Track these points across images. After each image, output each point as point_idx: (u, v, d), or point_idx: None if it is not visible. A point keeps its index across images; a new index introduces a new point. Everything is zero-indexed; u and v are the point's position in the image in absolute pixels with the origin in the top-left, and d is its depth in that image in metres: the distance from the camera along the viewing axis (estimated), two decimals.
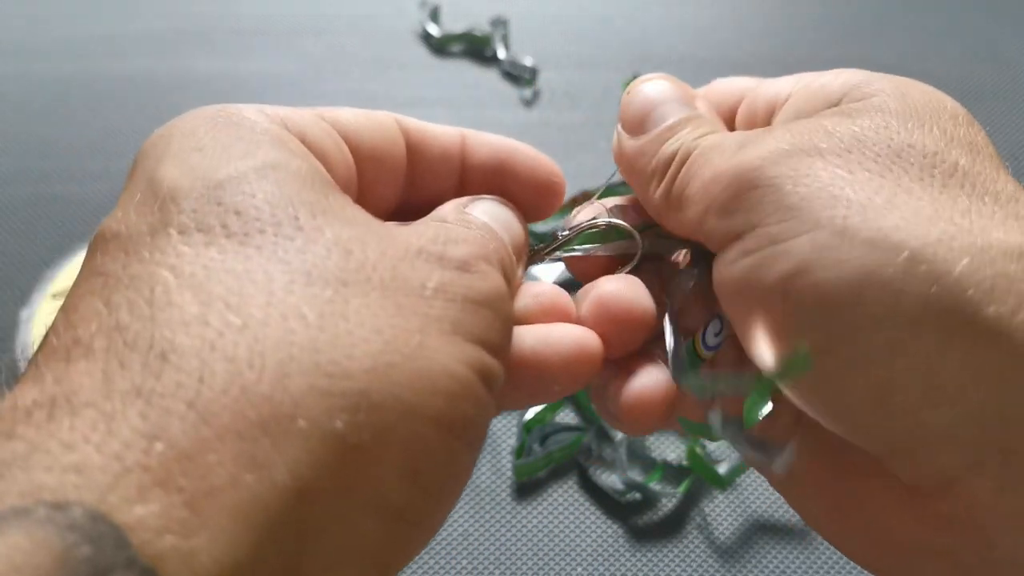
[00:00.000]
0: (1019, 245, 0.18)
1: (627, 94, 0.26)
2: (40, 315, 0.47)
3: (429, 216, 0.22)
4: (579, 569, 0.42)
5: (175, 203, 0.18)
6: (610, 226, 0.25)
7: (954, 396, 0.17)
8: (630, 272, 0.26)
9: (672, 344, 0.23)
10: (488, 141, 0.25)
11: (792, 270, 0.19)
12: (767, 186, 0.20)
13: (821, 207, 0.19)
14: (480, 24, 0.73)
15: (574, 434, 0.46)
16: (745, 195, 0.20)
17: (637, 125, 0.26)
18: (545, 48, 0.72)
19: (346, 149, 0.22)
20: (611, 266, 0.26)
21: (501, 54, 0.71)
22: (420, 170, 0.25)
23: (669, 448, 0.46)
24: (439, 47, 0.73)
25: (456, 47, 0.73)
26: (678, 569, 0.42)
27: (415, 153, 0.24)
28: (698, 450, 0.44)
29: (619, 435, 0.45)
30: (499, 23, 0.73)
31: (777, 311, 0.19)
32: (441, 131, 0.25)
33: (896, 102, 0.21)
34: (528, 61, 0.70)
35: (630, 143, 0.26)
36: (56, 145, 0.63)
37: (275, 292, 0.16)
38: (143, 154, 0.21)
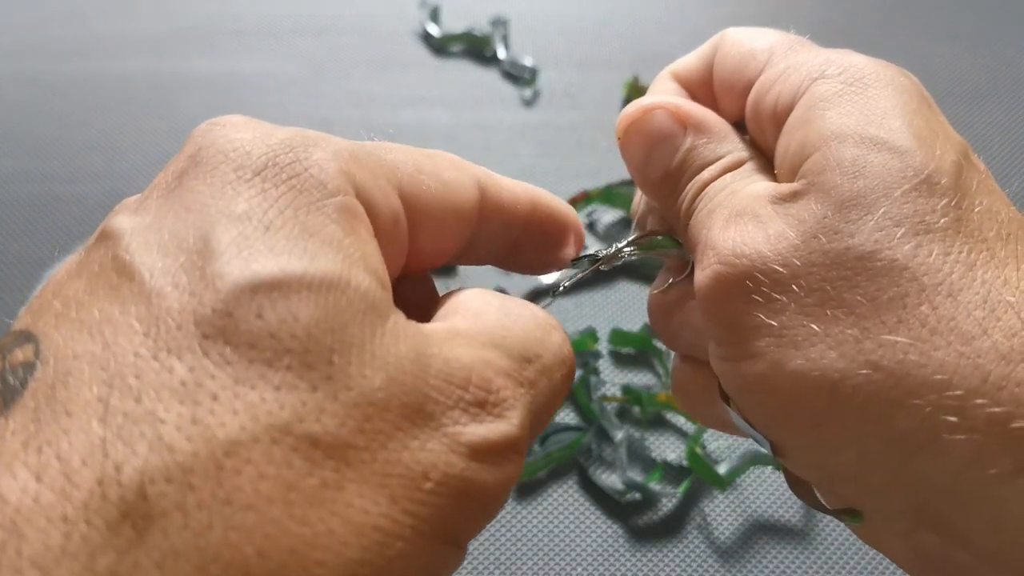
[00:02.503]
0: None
1: (619, 138, 0.25)
2: None
3: (475, 335, 0.19)
4: (579, 569, 0.42)
5: (215, 295, 0.15)
6: (666, 236, 0.26)
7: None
8: (683, 280, 0.26)
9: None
10: (523, 188, 0.24)
11: (740, 390, 0.21)
12: (723, 311, 0.21)
13: (757, 338, 0.20)
14: (480, 24, 0.73)
15: (574, 434, 0.46)
16: (712, 314, 0.21)
17: (640, 172, 0.25)
18: (545, 48, 0.72)
19: (404, 227, 0.20)
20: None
21: (501, 54, 0.71)
22: (486, 232, 0.23)
23: (669, 448, 0.46)
24: (439, 47, 0.73)
25: (456, 47, 0.73)
26: (678, 569, 0.42)
27: (486, 217, 0.22)
28: (698, 450, 0.44)
29: (619, 435, 0.45)
30: (499, 23, 0.73)
31: (748, 412, 0.22)
32: (513, 194, 0.23)
33: (845, 180, 0.20)
34: (528, 61, 0.70)
35: (643, 190, 0.26)
36: (56, 145, 0.63)
37: (274, 455, 0.14)
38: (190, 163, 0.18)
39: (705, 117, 0.25)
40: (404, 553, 0.15)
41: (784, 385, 0.19)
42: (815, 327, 0.19)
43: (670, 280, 0.26)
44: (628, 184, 0.59)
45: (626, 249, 0.26)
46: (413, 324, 0.17)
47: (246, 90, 0.68)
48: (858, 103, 0.21)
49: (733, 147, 0.24)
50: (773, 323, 0.20)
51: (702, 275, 0.21)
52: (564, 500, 0.44)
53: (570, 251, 0.25)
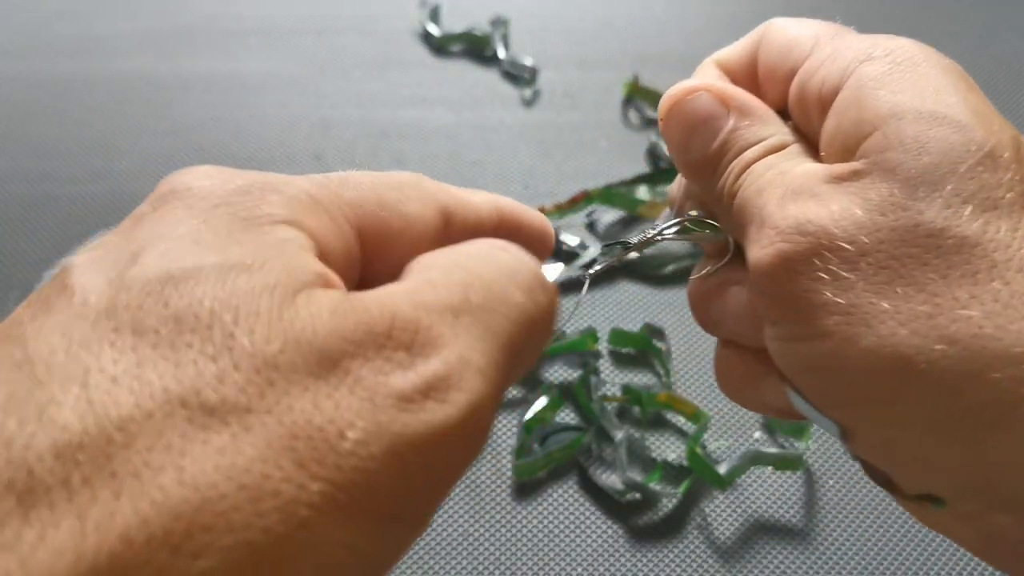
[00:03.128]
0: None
1: (661, 120, 0.26)
2: None
3: (410, 283, 0.17)
4: (579, 569, 0.42)
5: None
6: (701, 220, 0.26)
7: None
8: (724, 265, 0.26)
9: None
10: (489, 204, 0.23)
11: (806, 370, 0.21)
12: (785, 290, 0.21)
13: (826, 315, 0.20)
14: (480, 24, 0.73)
15: (574, 434, 0.46)
16: (768, 294, 0.21)
17: (681, 154, 0.25)
18: (545, 48, 0.72)
19: (356, 268, 0.19)
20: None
21: (501, 54, 0.71)
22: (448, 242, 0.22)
23: (669, 448, 0.46)
24: (439, 47, 0.73)
25: (456, 47, 0.73)
26: (678, 569, 0.42)
27: (450, 241, 0.21)
28: (698, 450, 0.44)
29: (619, 435, 0.45)
30: (499, 23, 0.73)
31: (813, 394, 0.22)
32: (478, 215, 0.22)
33: (909, 158, 0.20)
34: (528, 61, 0.70)
35: (683, 172, 0.26)
36: (56, 145, 0.63)
37: (166, 427, 0.14)
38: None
39: (749, 100, 0.25)
40: (311, 523, 0.14)
41: (855, 364, 0.19)
42: (885, 304, 0.19)
43: (708, 267, 0.26)
44: (628, 184, 0.59)
45: (663, 233, 0.26)
46: (339, 292, 0.16)
47: (246, 90, 0.68)
48: (910, 80, 0.21)
49: (776, 130, 0.24)
50: (841, 301, 0.20)
51: (762, 253, 0.21)
52: (564, 500, 0.44)
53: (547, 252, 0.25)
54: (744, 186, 0.23)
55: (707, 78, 0.27)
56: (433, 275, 0.17)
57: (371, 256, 0.19)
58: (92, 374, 0.15)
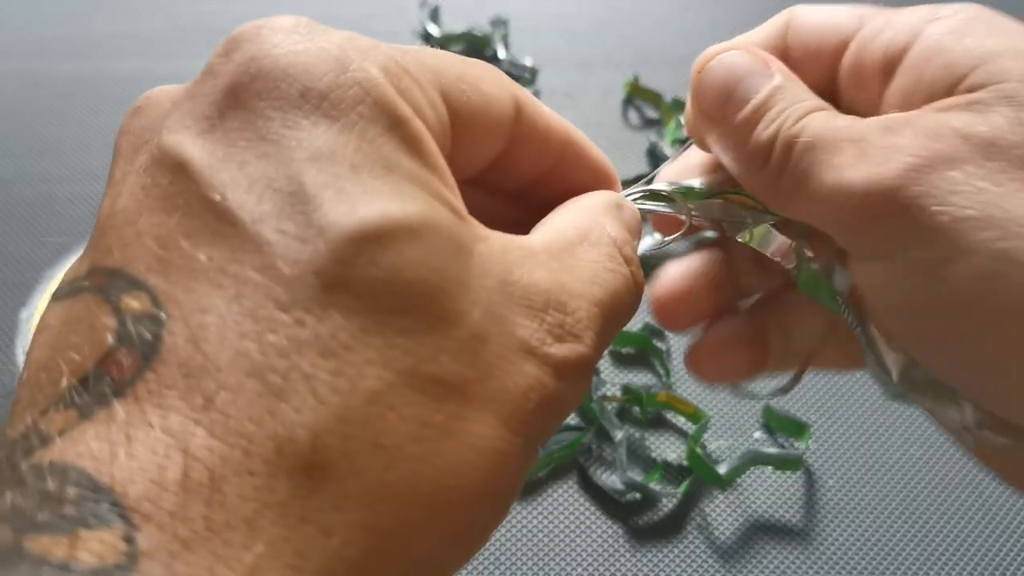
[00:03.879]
0: None
1: (698, 73, 0.24)
2: (40, 315, 0.47)
3: (571, 249, 0.20)
4: (579, 569, 0.42)
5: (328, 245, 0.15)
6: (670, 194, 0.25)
7: None
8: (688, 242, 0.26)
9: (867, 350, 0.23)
10: (560, 122, 0.23)
11: (953, 299, 0.19)
12: (910, 209, 0.19)
13: (973, 230, 0.18)
14: (480, 24, 0.73)
15: (574, 434, 0.46)
16: (885, 218, 0.20)
17: (718, 108, 0.24)
18: (545, 48, 0.72)
19: (449, 135, 0.20)
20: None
21: (501, 54, 0.71)
22: (515, 155, 0.22)
23: (669, 448, 0.46)
24: (439, 47, 0.73)
25: (456, 47, 0.73)
26: (678, 569, 0.42)
27: (518, 138, 0.22)
28: (698, 450, 0.44)
29: (619, 435, 0.45)
30: (499, 23, 0.73)
31: (941, 333, 0.20)
32: (548, 124, 0.23)
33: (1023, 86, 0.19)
34: (528, 61, 0.70)
35: (716, 130, 0.24)
36: (56, 145, 0.63)
37: (408, 398, 0.15)
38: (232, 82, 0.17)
39: (787, 69, 0.24)
40: (517, 466, 0.17)
41: (1014, 282, 0.18)
42: None
43: (667, 240, 0.26)
44: (628, 184, 0.59)
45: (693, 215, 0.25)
46: (494, 245, 0.18)
47: None
48: (991, 29, 0.21)
49: (819, 100, 0.23)
50: (994, 213, 0.18)
51: (881, 170, 0.20)
52: (564, 500, 0.44)
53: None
54: (812, 126, 0.22)
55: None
56: (566, 262, 0.19)
57: (453, 125, 0.19)
58: (325, 340, 0.15)
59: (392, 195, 0.16)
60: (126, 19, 0.75)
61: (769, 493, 0.44)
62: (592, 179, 0.24)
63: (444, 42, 0.72)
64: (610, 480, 0.44)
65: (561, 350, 0.17)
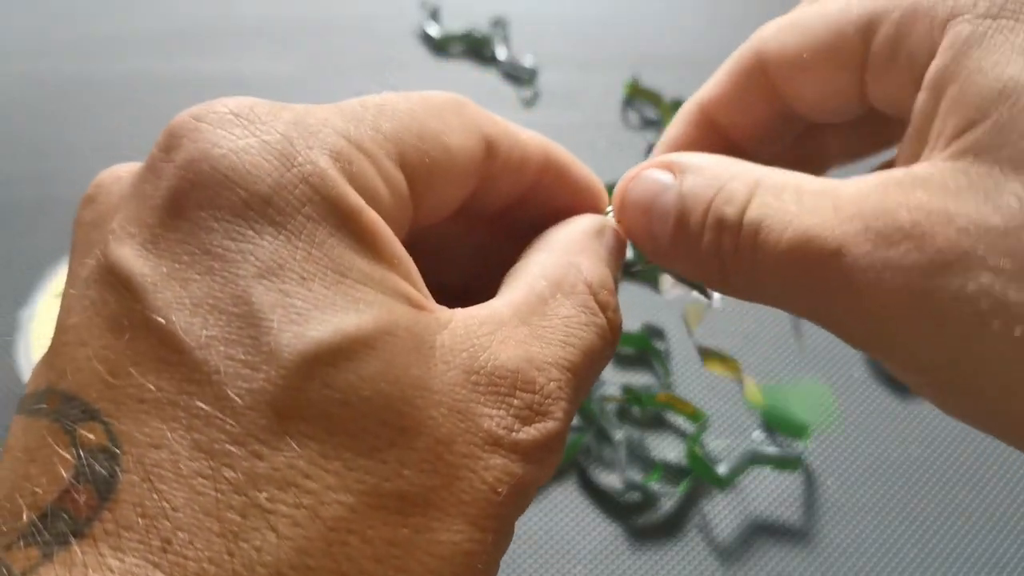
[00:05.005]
0: None
1: (619, 222, 0.23)
2: (40, 315, 0.47)
3: (521, 332, 0.18)
4: (579, 569, 0.42)
5: (276, 362, 0.15)
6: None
7: None
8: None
9: None
10: (537, 145, 0.22)
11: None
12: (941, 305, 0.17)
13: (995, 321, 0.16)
14: (480, 24, 0.73)
15: (574, 434, 0.46)
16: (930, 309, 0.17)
17: (650, 235, 0.22)
18: (545, 48, 0.72)
19: (408, 203, 0.19)
20: None
21: (501, 54, 0.71)
22: (489, 189, 0.22)
23: (669, 448, 0.46)
24: (439, 47, 0.73)
25: (456, 47, 0.73)
26: (678, 569, 0.42)
27: (491, 176, 0.21)
28: (698, 450, 0.44)
29: (619, 435, 0.45)
30: (499, 23, 0.73)
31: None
32: (524, 153, 0.22)
33: None
34: (528, 61, 0.70)
35: (660, 251, 0.22)
36: (56, 146, 0.63)
37: (371, 520, 0.15)
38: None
39: (696, 156, 0.22)
40: (487, 560, 0.16)
41: None
42: None
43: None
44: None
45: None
46: (457, 331, 0.17)
47: (246, 90, 0.68)
48: (1013, 43, 0.17)
49: (746, 167, 0.20)
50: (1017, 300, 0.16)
51: (906, 261, 0.17)
52: (564, 500, 0.44)
53: (589, 210, 0.23)
54: (771, 209, 0.19)
55: (681, 124, 0.25)
56: (536, 327, 0.19)
57: (413, 188, 0.19)
58: (282, 471, 0.14)
59: (345, 306, 0.16)
60: (126, 19, 0.75)
61: (769, 493, 0.44)
62: (574, 195, 0.23)
63: (444, 43, 0.72)
64: (610, 480, 0.44)
65: (529, 433, 0.17)
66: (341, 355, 0.15)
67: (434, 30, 0.73)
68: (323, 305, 0.15)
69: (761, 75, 0.24)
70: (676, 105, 0.64)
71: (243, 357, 0.15)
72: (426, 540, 0.15)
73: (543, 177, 0.22)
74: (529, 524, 0.43)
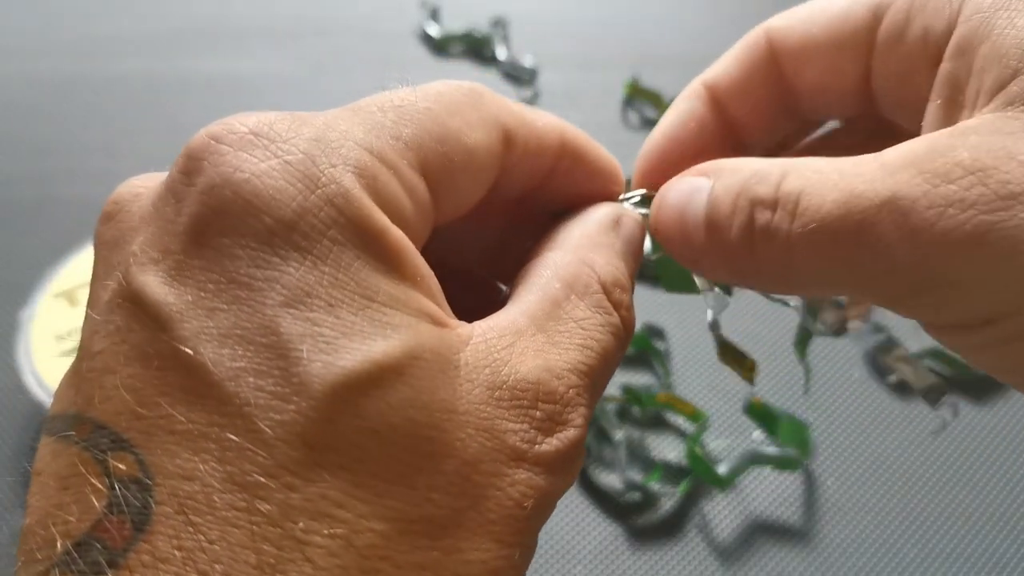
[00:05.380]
0: None
1: (653, 228, 0.22)
2: (40, 315, 0.47)
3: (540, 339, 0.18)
4: (579, 569, 0.42)
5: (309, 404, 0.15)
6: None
7: None
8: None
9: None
10: (553, 129, 0.22)
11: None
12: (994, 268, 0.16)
13: None
14: (480, 24, 0.73)
15: None
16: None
17: (681, 232, 0.21)
18: (545, 48, 0.72)
19: (430, 208, 0.19)
20: None
21: (501, 54, 0.71)
22: (508, 178, 0.21)
23: (669, 448, 0.46)
24: (439, 47, 0.73)
25: (456, 47, 0.73)
26: (678, 569, 0.42)
27: (510, 166, 0.21)
28: (698, 450, 0.44)
29: (619, 435, 0.45)
30: (499, 23, 0.73)
31: None
32: (540, 141, 0.21)
33: None
34: (528, 61, 0.70)
35: (705, 261, 0.21)
36: (56, 145, 0.63)
37: (402, 545, 0.15)
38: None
39: (731, 160, 0.21)
40: (514, 574, 0.17)
41: None
42: None
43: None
44: (628, 184, 0.59)
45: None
46: (479, 347, 0.17)
47: (246, 90, 0.68)
48: None
49: (777, 160, 0.20)
50: None
51: (960, 218, 0.16)
52: (564, 500, 0.44)
53: (607, 192, 0.23)
54: (810, 181, 0.18)
55: (686, 101, 0.25)
56: (553, 335, 0.19)
57: (435, 193, 0.19)
58: (316, 502, 0.14)
59: (373, 332, 0.16)
60: (126, 19, 0.75)
61: (769, 493, 0.44)
62: (592, 178, 0.23)
63: (444, 42, 0.72)
64: (610, 480, 0.44)
65: (552, 444, 0.17)
66: (371, 384, 0.15)
67: (434, 30, 0.73)
68: (351, 332, 0.15)
69: (768, 57, 0.24)
70: None
71: (273, 388, 0.15)
72: (455, 561, 0.15)
73: (560, 162, 0.22)
74: None
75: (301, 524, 0.14)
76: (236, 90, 0.68)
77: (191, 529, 0.14)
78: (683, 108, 0.25)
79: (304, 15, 0.76)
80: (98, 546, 0.14)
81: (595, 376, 0.19)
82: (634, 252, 0.22)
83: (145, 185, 0.18)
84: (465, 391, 0.17)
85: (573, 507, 0.44)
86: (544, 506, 0.17)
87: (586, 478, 0.45)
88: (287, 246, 0.16)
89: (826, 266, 0.18)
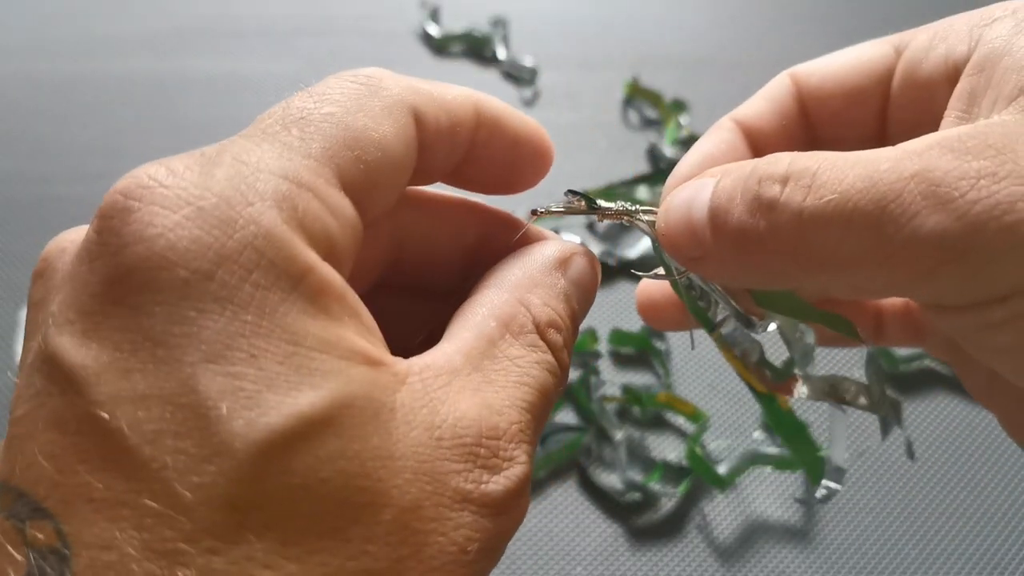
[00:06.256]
0: None
1: (662, 232, 0.22)
2: None
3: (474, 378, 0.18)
4: (579, 569, 0.42)
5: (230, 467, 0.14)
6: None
7: None
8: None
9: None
10: (467, 103, 0.21)
11: None
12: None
13: None
14: (480, 24, 0.73)
15: (574, 434, 0.46)
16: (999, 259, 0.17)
17: (688, 233, 0.21)
18: (545, 48, 0.72)
19: (354, 218, 0.18)
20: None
21: (501, 54, 0.71)
22: (428, 160, 0.21)
23: (669, 448, 0.46)
24: (439, 47, 0.73)
25: (456, 47, 0.73)
26: (678, 569, 0.42)
27: (427, 148, 0.20)
28: (698, 450, 0.44)
29: (619, 435, 0.45)
30: (499, 23, 0.73)
31: None
32: (450, 104, 0.21)
33: None
34: (528, 61, 0.70)
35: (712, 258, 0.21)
36: (57, 145, 0.63)
37: None
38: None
39: (736, 163, 0.21)
40: None
41: None
42: None
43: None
44: (628, 184, 0.59)
45: (633, 216, 0.23)
46: (415, 387, 0.17)
47: (246, 90, 0.68)
48: None
49: (781, 153, 0.20)
50: None
51: (984, 204, 0.16)
52: (564, 500, 0.44)
53: (531, 169, 0.22)
54: (828, 159, 0.18)
55: (720, 131, 0.25)
56: (489, 373, 0.18)
57: (357, 200, 0.18)
58: (241, 566, 0.14)
59: (299, 381, 0.15)
60: (126, 19, 0.75)
61: (769, 493, 0.44)
62: (514, 148, 0.22)
63: (444, 42, 0.72)
64: (610, 480, 0.44)
65: (499, 483, 0.17)
66: (297, 438, 0.15)
67: (434, 30, 0.73)
68: (275, 384, 0.15)
69: (793, 92, 0.25)
70: (676, 105, 0.64)
71: (193, 450, 0.14)
72: None
73: (478, 134, 0.21)
74: (529, 524, 0.43)
75: None
76: (236, 90, 0.68)
77: None
78: (714, 136, 0.25)
79: (304, 15, 0.76)
80: None
81: (535, 412, 0.19)
82: (582, 291, 0.21)
83: (72, 240, 0.18)
84: (402, 434, 0.16)
85: (573, 507, 0.44)
86: (491, 548, 0.17)
87: (586, 478, 0.45)
88: (205, 298, 0.15)
89: (845, 239, 0.18)
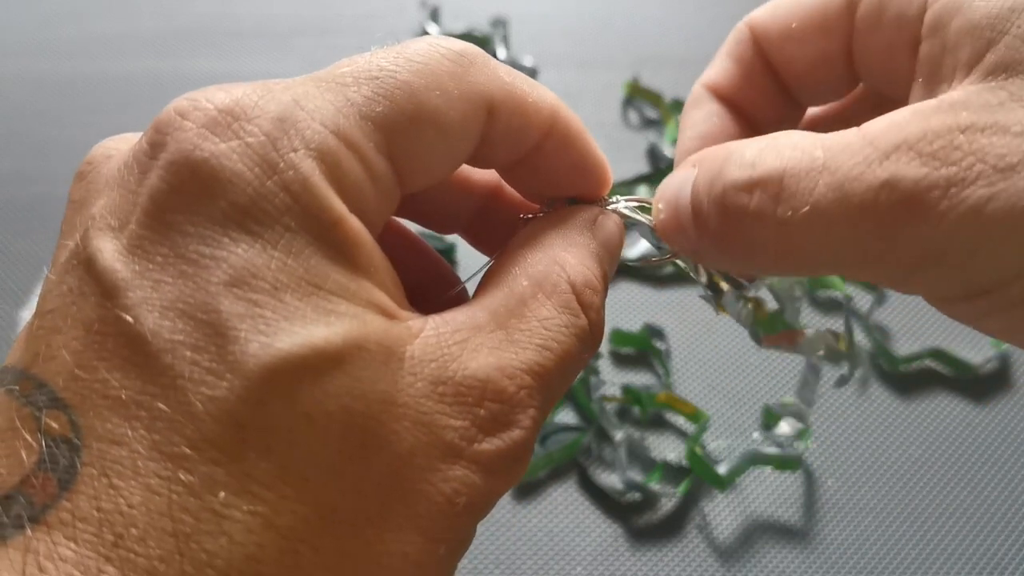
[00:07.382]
0: None
1: (659, 229, 0.22)
2: None
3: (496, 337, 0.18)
4: (579, 569, 0.42)
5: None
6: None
7: None
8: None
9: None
10: (546, 108, 0.21)
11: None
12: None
13: None
14: (480, 24, 0.73)
15: (574, 434, 0.46)
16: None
17: (677, 225, 0.21)
18: (545, 48, 0.72)
19: (395, 191, 0.18)
20: None
21: (501, 54, 0.71)
22: (488, 151, 0.20)
23: (669, 448, 0.46)
24: None
25: None
26: (678, 569, 0.42)
27: (491, 141, 0.20)
28: (698, 450, 0.44)
29: (619, 435, 0.45)
30: (499, 23, 0.73)
31: None
32: (529, 109, 0.20)
33: None
34: (528, 61, 0.70)
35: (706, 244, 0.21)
36: (56, 145, 0.63)
37: (325, 533, 0.15)
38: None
39: (711, 148, 0.21)
40: (438, 570, 0.17)
41: None
42: None
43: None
44: (628, 184, 0.59)
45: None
46: (429, 341, 0.17)
47: None
48: None
49: (747, 142, 0.20)
50: None
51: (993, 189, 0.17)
52: (564, 500, 0.44)
53: (580, 195, 0.22)
54: (788, 165, 0.18)
55: (700, 104, 0.25)
56: (512, 332, 0.18)
57: (401, 172, 0.18)
58: (240, 480, 0.14)
59: (316, 318, 0.15)
60: (126, 19, 0.75)
61: (769, 493, 0.44)
62: (574, 169, 0.22)
63: None
64: (610, 480, 0.44)
65: (493, 443, 0.17)
66: (307, 369, 0.15)
67: (434, 30, 0.73)
68: (293, 317, 0.15)
69: (756, 50, 0.24)
70: (676, 105, 0.64)
71: (208, 364, 0.15)
72: (377, 552, 0.16)
73: (547, 142, 0.21)
74: (529, 524, 0.43)
75: (221, 497, 0.14)
76: None
77: (112, 492, 0.14)
78: (698, 112, 0.25)
79: (304, 15, 0.76)
80: (23, 500, 0.14)
81: (551, 378, 0.18)
82: (610, 254, 0.22)
83: (118, 147, 0.19)
84: (407, 384, 0.16)
85: (573, 507, 0.44)
86: (479, 504, 0.17)
87: (586, 478, 0.45)
88: (239, 229, 0.16)
89: (823, 248, 0.18)
